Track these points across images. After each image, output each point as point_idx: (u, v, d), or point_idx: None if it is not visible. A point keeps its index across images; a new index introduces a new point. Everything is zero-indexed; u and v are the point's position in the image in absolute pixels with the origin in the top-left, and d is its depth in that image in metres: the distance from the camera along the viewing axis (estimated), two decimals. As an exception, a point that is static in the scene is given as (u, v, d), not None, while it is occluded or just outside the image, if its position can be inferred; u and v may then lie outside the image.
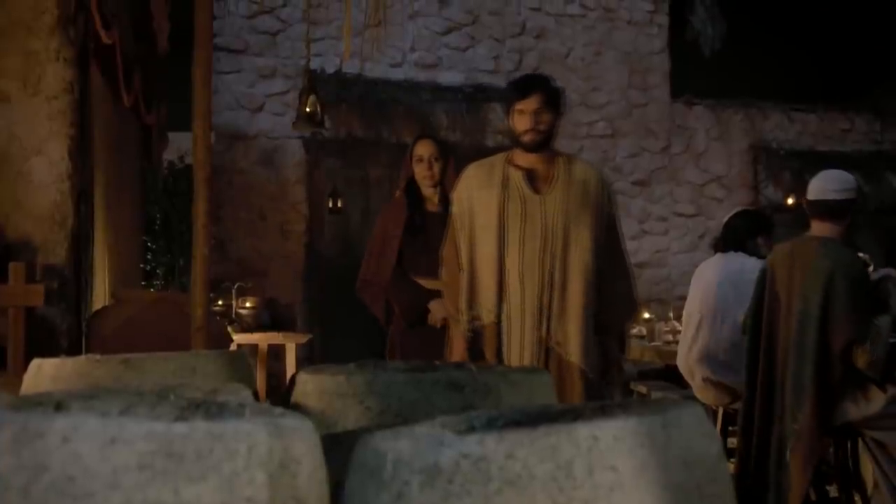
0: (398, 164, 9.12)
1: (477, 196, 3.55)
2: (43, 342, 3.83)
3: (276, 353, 7.09)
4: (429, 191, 4.26)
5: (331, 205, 8.76)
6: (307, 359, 8.12)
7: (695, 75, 10.15)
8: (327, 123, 7.61)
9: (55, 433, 0.88)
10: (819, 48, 10.10)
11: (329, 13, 8.82)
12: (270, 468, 0.93)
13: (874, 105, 10.91)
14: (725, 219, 5.09)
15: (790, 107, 10.63)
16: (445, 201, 4.03)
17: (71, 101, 4.10)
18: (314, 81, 7.14)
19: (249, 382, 1.91)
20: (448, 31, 9.62)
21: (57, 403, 1.13)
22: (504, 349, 3.47)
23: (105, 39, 4.53)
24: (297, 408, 1.59)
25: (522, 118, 3.48)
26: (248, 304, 6.69)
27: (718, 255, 4.95)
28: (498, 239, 3.47)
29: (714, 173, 10.31)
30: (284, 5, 9.16)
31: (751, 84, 10.25)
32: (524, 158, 3.54)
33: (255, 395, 1.68)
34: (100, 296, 5.33)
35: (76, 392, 1.22)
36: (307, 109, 6.72)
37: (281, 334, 6.69)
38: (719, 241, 5.08)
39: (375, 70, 8.98)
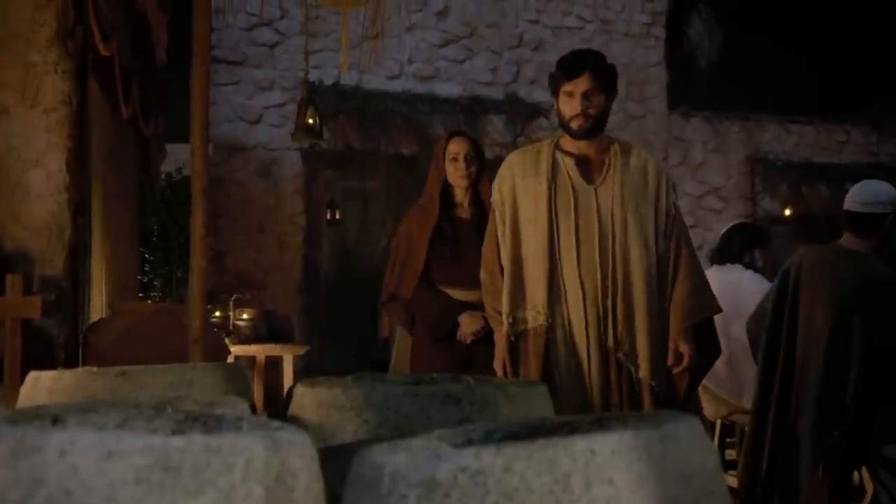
0: (396, 175, 9.22)
1: (521, 186, 3.22)
2: (40, 354, 3.82)
3: (274, 364, 7.07)
4: (461, 194, 3.91)
5: (329, 216, 8.77)
6: (305, 370, 8.10)
7: (692, 87, 10.18)
8: (325, 135, 7.63)
9: (52, 447, 0.88)
10: (816, 60, 10.13)
11: (327, 25, 8.84)
12: (267, 482, 0.93)
13: (871, 117, 10.95)
14: (723, 231, 5.09)
15: (787, 118, 10.67)
16: (478, 207, 3.83)
17: (69, 113, 4.10)
18: (312, 93, 7.15)
19: (247, 395, 1.91)
20: (446, 44, 9.65)
21: (54, 417, 1.13)
22: (560, 358, 3.12)
23: (103, 52, 4.53)
24: (295, 420, 1.59)
25: (570, 101, 3.15)
26: (245, 316, 6.68)
27: (715, 268, 4.94)
28: (549, 232, 3.13)
29: (711, 185, 10.33)
30: (282, 18, 9.19)
31: (748, 96, 10.28)
32: (573, 144, 3.22)
33: (253, 408, 1.68)
34: (97, 307, 5.32)
35: (73, 405, 1.22)
36: (306, 121, 6.73)
37: (279, 346, 6.68)
38: (716, 254, 5.08)
39: (373, 82, 9.01)
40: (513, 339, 3.17)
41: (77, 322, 4.32)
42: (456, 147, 3.86)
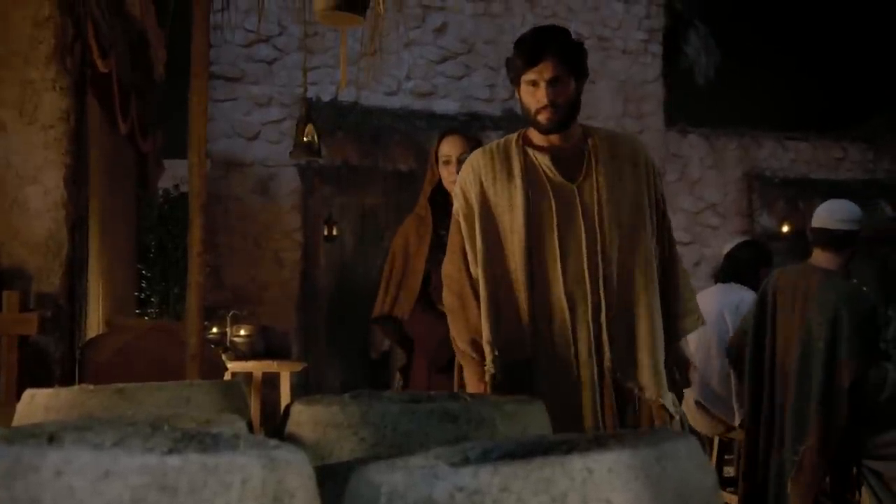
0: (394, 191, 9.23)
1: (493, 191, 2.74)
2: (36, 371, 3.82)
3: (272, 381, 7.06)
4: None
5: (326, 232, 8.77)
6: (302, 387, 8.09)
7: (689, 104, 10.22)
8: (323, 151, 7.63)
9: (48, 466, 0.87)
10: (813, 77, 10.16)
11: (325, 42, 8.87)
12: (264, 501, 0.93)
13: (867, 134, 10.98)
14: (727, 249, 5.05)
15: (784, 135, 10.70)
16: None
17: (67, 129, 4.11)
18: (310, 110, 7.16)
19: (244, 412, 1.90)
20: (443, 60, 9.68)
21: (50, 435, 1.12)
22: (546, 391, 2.52)
23: (102, 68, 4.55)
24: (292, 438, 1.59)
25: (535, 92, 2.68)
26: (242, 332, 6.66)
27: (718, 286, 4.94)
28: (525, 245, 2.66)
29: (709, 201, 10.35)
30: (281, 34, 9.22)
31: (745, 112, 10.32)
32: (544, 138, 2.74)
33: (250, 425, 1.67)
34: (94, 324, 5.31)
35: (69, 423, 1.21)
36: (303, 138, 6.73)
37: (276, 362, 6.67)
38: (720, 273, 5.05)
39: (371, 98, 9.03)
40: (498, 376, 2.67)
41: (74, 339, 4.32)
42: (448, 148, 3.41)
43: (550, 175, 2.72)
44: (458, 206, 2.83)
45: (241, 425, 1.48)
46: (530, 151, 2.75)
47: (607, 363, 2.63)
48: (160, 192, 8.75)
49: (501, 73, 9.82)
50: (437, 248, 3.33)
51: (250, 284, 8.91)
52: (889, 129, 10.85)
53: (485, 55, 9.78)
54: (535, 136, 2.77)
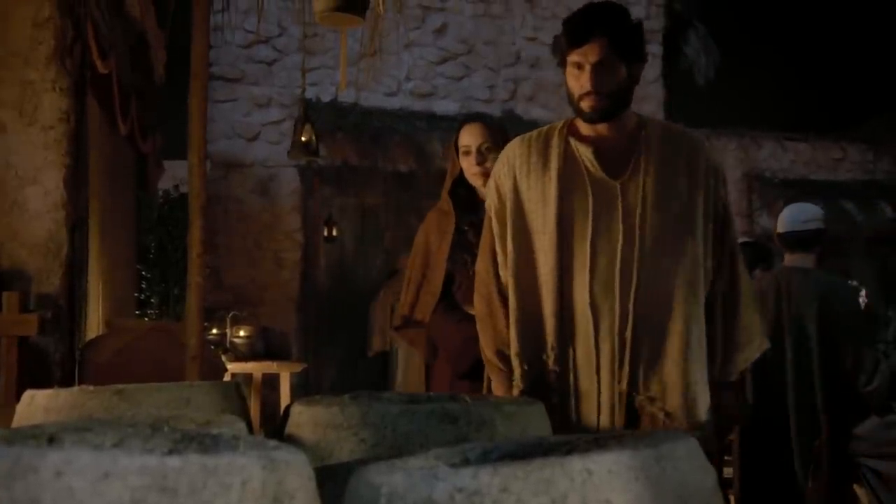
0: (394, 192, 9.23)
1: (525, 185, 2.46)
2: (36, 372, 3.81)
3: (271, 381, 7.06)
4: (484, 191, 3.09)
5: (326, 233, 8.77)
6: (302, 387, 8.09)
7: (688, 104, 10.23)
8: (323, 152, 7.64)
9: (48, 467, 0.87)
10: (812, 78, 10.17)
11: (325, 43, 8.88)
12: (264, 502, 0.93)
13: (867, 134, 10.99)
14: None
15: (784, 136, 10.71)
16: None
17: (67, 130, 4.11)
18: (310, 110, 7.16)
19: (244, 413, 1.90)
20: (443, 61, 9.68)
21: (50, 436, 1.12)
22: (569, 413, 2.35)
23: (102, 69, 4.54)
24: (292, 439, 1.59)
25: (579, 75, 2.37)
26: (242, 333, 6.67)
27: None
28: (557, 246, 2.37)
29: (708, 202, 10.35)
30: (280, 35, 9.22)
31: (744, 113, 10.33)
32: (591, 128, 2.43)
33: (250, 426, 1.67)
34: (94, 325, 5.31)
35: (69, 424, 1.21)
36: (303, 138, 6.74)
37: (275, 363, 6.67)
38: None
39: (371, 99, 9.03)
40: (527, 390, 2.39)
41: (74, 339, 4.32)
42: (468, 137, 3.13)
43: (591, 169, 2.40)
44: (489, 201, 2.58)
45: (240, 426, 1.48)
46: (572, 141, 2.44)
47: (624, 385, 2.32)
48: (160, 193, 8.76)
49: (501, 74, 9.83)
50: (460, 245, 3.11)
51: (250, 285, 8.91)
52: (888, 129, 10.85)
53: (485, 56, 9.78)
54: (582, 125, 2.45)
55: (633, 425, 2.31)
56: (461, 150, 3.14)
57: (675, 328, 2.33)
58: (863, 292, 4.28)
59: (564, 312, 2.37)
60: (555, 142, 2.47)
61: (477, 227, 3.03)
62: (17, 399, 1.92)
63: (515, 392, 2.42)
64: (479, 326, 2.58)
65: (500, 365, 2.49)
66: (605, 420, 2.32)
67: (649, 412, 2.32)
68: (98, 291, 5.53)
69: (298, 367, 6.96)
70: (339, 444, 1.53)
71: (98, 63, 4.47)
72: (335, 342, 9.00)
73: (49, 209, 4.06)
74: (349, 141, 9.09)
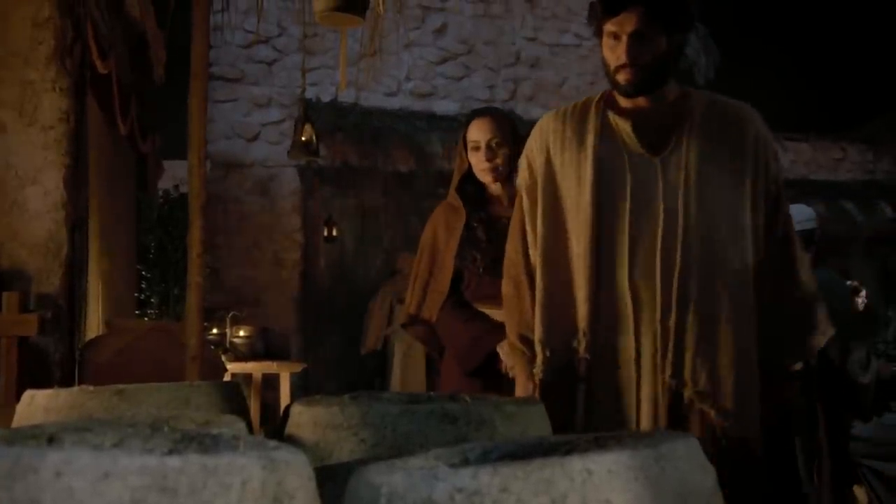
0: (394, 192, 9.23)
1: (559, 161, 2.32)
2: (36, 372, 3.81)
3: (271, 381, 7.06)
4: (497, 188, 3.06)
5: (326, 233, 8.77)
6: (302, 387, 8.09)
7: (689, 105, 10.20)
8: (322, 152, 7.64)
9: (48, 467, 0.87)
10: (812, 78, 10.18)
11: (325, 43, 8.87)
12: (264, 502, 0.93)
13: (867, 135, 10.99)
14: None
15: (784, 136, 10.70)
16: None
17: (67, 130, 4.11)
18: (310, 110, 7.16)
19: (244, 413, 1.90)
20: (443, 61, 9.68)
21: (50, 436, 1.12)
22: (601, 407, 2.20)
23: (101, 69, 4.54)
24: (291, 439, 1.59)
25: (616, 46, 2.23)
26: (242, 333, 6.67)
27: None
28: (593, 225, 2.22)
29: (708, 202, 10.35)
30: (280, 35, 9.22)
31: (744, 113, 10.31)
32: (631, 101, 2.29)
33: (250, 426, 1.67)
34: (94, 325, 5.31)
35: (69, 424, 1.21)
36: (303, 138, 6.74)
37: (275, 363, 6.68)
38: None
39: (371, 99, 9.03)
40: (548, 381, 2.26)
41: (73, 340, 4.32)
42: (477, 133, 3.00)
43: (630, 145, 2.25)
44: (521, 178, 2.45)
45: (240, 426, 1.48)
46: (610, 115, 2.30)
47: (668, 377, 2.14)
48: (160, 193, 8.76)
49: (501, 74, 9.83)
50: (470, 242, 3.00)
51: (250, 285, 8.92)
52: (888, 129, 10.86)
53: (484, 56, 9.78)
54: (621, 98, 2.31)
55: (677, 422, 2.13)
56: (470, 145, 3.02)
57: (724, 316, 2.17)
58: (863, 292, 4.27)
59: (600, 297, 2.20)
60: (591, 115, 2.32)
61: (486, 223, 3.00)
62: (17, 399, 1.92)
63: (535, 380, 2.31)
64: (504, 308, 2.48)
65: (524, 349, 2.37)
66: (646, 416, 2.16)
67: (698, 408, 2.14)
68: (98, 291, 5.53)
69: (298, 367, 6.96)
70: (338, 444, 1.53)
71: (98, 63, 4.47)
72: (335, 342, 9.00)
73: (49, 209, 4.06)
74: (349, 141, 9.09)
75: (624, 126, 2.27)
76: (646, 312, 2.18)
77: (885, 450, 3.80)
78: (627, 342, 2.19)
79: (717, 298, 2.17)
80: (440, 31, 9.69)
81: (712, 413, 2.13)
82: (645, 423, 2.15)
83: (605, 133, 2.29)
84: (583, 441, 1.18)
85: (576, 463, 0.97)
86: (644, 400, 2.17)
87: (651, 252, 2.19)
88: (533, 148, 2.41)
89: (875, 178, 10.87)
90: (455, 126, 9.51)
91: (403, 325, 3.23)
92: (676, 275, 2.16)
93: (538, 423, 1.61)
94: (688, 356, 2.14)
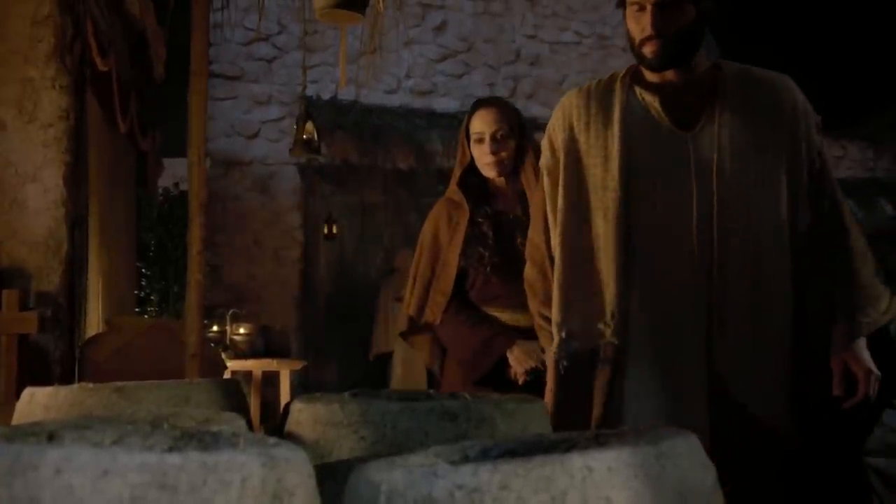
0: (394, 190, 9.23)
1: (584, 138, 2.20)
2: (36, 370, 3.81)
3: (271, 379, 7.06)
4: (499, 182, 2.86)
5: (326, 231, 8.77)
6: (302, 385, 8.09)
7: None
8: (323, 150, 7.63)
9: (48, 465, 0.87)
10: (813, 75, 10.18)
11: (324, 40, 8.87)
12: (264, 500, 0.93)
13: (868, 133, 10.99)
14: None
15: (784, 134, 10.69)
16: (525, 199, 2.78)
17: (66, 128, 4.11)
18: (310, 108, 7.16)
19: (244, 411, 1.90)
20: (443, 58, 9.67)
21: (50, 434, 1.12)
22: (628, 398, 2.05)
23: (101, 66, 4.54)
24: (291, 437, 1.59)
25: (640, 17, 2.11)
26: (242, 331, 6.67)
27: None
28: (620, 209, 2.10)
29: (708, 200, 10.35)
30: (280, 33, 9.21)
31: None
32: (658, 74, 2.17)
33: (250, 424, 1.67)
34: (94, 323, 5.31)
35: (69, 422, 1.21)
36: (303, 136, 6.74)
37: (275, 361, 6.67)
38: None
39: (371, 97, 9.03)
40: (564, 363, 2.14)
41: (73, 337, 4.32)
42: (481, 123, 2.81)
43: (659, 120, 2.14)
44: (543, 158, 2.32)
45: (240, 424, 1.48)
46: (637, 90, 2.19)
47: (719, 364, 2.01)
48: (160, 190, 8.77)
49: (501, 72, 9.82)
50: (475, 239, 2.80)
51: (250, 283, 8.91)
52: (889, 127, 10.85)
53: (484, 53, 9.78)
54: (648, 72, 2.19)
55: (721, 414, 1.99)
56: (473, 136, 2.83)
57: (764, 298, 2.05)
58: None
59: (630, 279, 2.08)
60: (617, 91, 2.20)
61: (492, 218, 2.82)
62: (17, 397, 1.92)
63: (551, 365, 2.18)
64: (528, 290, 2.35)
65: (544, 325, 2.26)
66: (688, 406, 2.00)
67: (742, 395, 2.01)
68: (98, 289, 5.52)
69: (298, 365, 6.96)
70: (338, 441, 1.53)
71: (98, 61, 4.47)
72: (335, 340, 9.00)
73: (49, 207, 4.06)
74: (349, 139, 9.09)
75: (652, 101, 2.16)
76: (682, 295, 2.05)
77: (889, 449, 3.79)
78: (665, 326, 2.05)
79: (764, 282, 2.05)
80: (440, 28, 9.68)
81: (751, 401, 2.02)
82: (698, 418, 1.95)
83: (632, 108, 2.17)
84: (583, 438, 1.18)
85: (576, 460, 0.97)
86: (685, 381, 2.02)
87: (687, 234, 2.07)
88: (555, 126, 2.27)
89: (875, 175, 10.86)
90: (455, 124, 9.52)
91: (402, 335, 3.01)
92: (715, 256, 2.05)
93: (538, 421, 1.61)
94: (731, 340, 2.02)
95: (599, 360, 2.08)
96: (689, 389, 2.02)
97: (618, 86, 2.22)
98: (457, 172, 2.91)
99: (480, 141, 2.80)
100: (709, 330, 2.03)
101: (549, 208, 2.26)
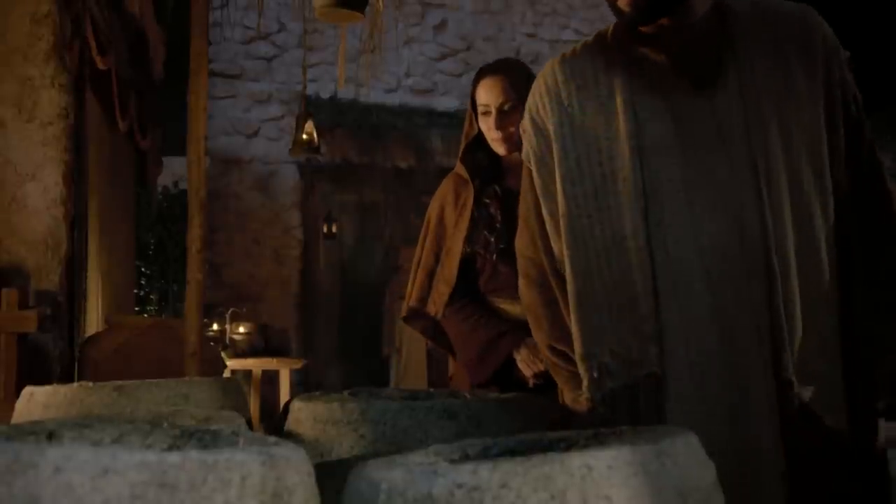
0: (394, 188, 9.23)
1: (580, 116, 1.72)
2: (35, 369, 3.81)
3: (271, 378, 7.06)
4: (510, 158, 2.51)
5: (326, 230, 8.77)
6: (301, 384, 8.09)
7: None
8: (322, 148, 7.64)
9: (47, 463, 0.87)
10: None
11: (324, 39, 8.87)
12: (264, 498, 0.93)
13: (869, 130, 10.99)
14: None
15: (783, 132, 10.70)
16: None
17: (66, 126, 4.10)
18: (310, 107, 7.16)
19: (243, 409, 1.90)
20: (443, 57, 9.67)
21: (49, 433, 1.12)
22: (675, 419, 1.55)
23: (101, 65, 4.54)
24: (291, 435, 1.59)
25: None
26: (242, 330, 6.67)
27: None
28: (639, 199, 1.62)
29: (708, 198, 10.36)
30: (280, 31, 9.21)
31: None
32: (654, 26, 1.67)
33: (249, 423, 1.67)
34: (93, 321, 5.31)
35: (68, 420, 1.21)
36: (303, 135, 6.74)
37: (275, 360, 6.68)
38: None
39: (371, 95, 9.03)
40: (602, 408, 1.62)
41: (73, 336, 4.32)
42: (486, 94, 2.50)
43: (667, 80, 1.68)
44: (526, 146, 1.83)
45: (240, 422, 1.48)
46: (638, 49, 1.70)
47: (785, 370, 1.56)
48: (159, 189, 8.76)
49: (501, 71, 9.83)
50: (483, 221, 2.52)
51: (250, 282, 8.91)
52: (889, 127, 10.85)
53: (484, 52, 9.78)
54: (644, 26, 1.69)
55: (796, 433, 1.57)
56: (479, 109, 2.52)
57: (824, 287, 1.62)
58: None
59: (660, 284, 1.60)
60: (613, 51, 1.74)
61: (502, 199, 2.51)
62: (17, 395, 1.92)
63: (584, 405, 1.68)
64: (529, 318, 1.87)
65: (560, 362, 1.77)
66: (765, 432, 1.56)
67: (801, 405, 1.57)
68: (97, 288, 5.52)
69: (298, 364, 6.97)
70: (338, 440, 1.53)
71: (97, 59, 4.47)
72: (335, 339, 9.00)
73: (48, 205, 4.05)
74: (349, 137, 9.09)
75: (657, 59, 1.69)
76: (731, 296, 1.59)
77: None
78: (721, 341, 1.59)
79: (811, 263, 1.62)
80: (440, 27, 9.68)
81: (817, 404, 1.59)
82: (765, 440, 1.56)
83: (635, 70, 1.70)
84: (582, 437, 1.18)
85: (575, 459, 0.96)
86: (752, 384, 1.57)
87: (724, 219, 1.60)
88: (539, 108, 1.78)
89: (875, 174, 10.87)
90: (455, 123, 9.51)
91: (404, 319, 2.73)
92: (761, 242, 1.59)
93: (538, 420, 1.61)
94: (797, 343, 1.59)
95: (641, 393, 1.61)
96: (756, 390, 1.57)
97: (611, 46, 1.76)
98: (462, 145, 2.61)
99: (487, 114, 2.50)
100: (773, 333, 1.57)
101: (544, 209, 1.77)
